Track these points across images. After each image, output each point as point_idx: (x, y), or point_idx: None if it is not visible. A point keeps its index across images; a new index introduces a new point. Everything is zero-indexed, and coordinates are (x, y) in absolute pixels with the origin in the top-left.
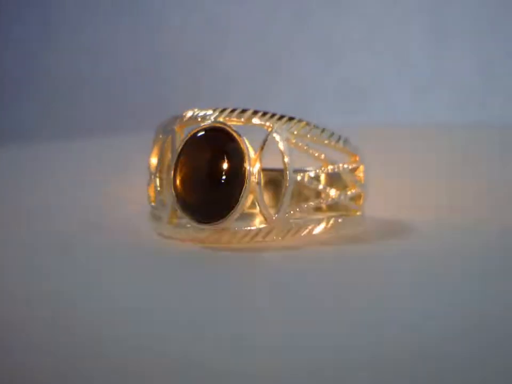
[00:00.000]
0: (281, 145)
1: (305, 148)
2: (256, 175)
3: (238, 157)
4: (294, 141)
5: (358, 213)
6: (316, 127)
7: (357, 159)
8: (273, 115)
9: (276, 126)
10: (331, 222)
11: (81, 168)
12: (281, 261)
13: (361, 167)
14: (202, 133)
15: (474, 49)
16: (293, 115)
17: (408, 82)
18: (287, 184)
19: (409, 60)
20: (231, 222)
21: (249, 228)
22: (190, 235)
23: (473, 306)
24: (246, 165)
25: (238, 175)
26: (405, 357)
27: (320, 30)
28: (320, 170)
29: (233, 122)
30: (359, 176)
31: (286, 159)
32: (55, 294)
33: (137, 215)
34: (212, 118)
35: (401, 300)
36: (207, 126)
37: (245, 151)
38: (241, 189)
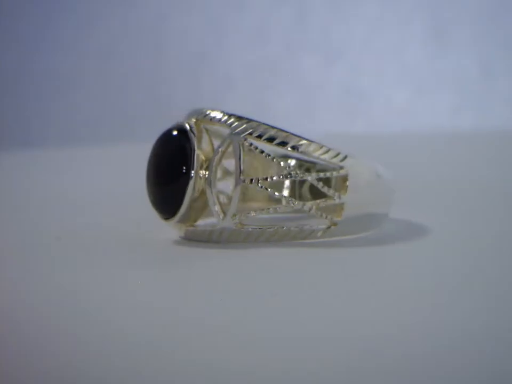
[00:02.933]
0: (234, 149)
1: (262, 153)
2: (207, 177)
3: (187, 159)
4: (253, 144)
5: (328, 224)
6: (282, 130)
7: (336, 168)
8: (236, 117)
9: (238, 128)
10: (284, 232)
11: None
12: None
13: (335, 175)
14: (169, 133)
15: (474, 50)
16: (254, 118)
17: (409, 84)
18: (234, 189)
19: (409, 62)
20: (180, 220)
21: (204, 227)
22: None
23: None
24: (194, 167)
25: (182, 175)
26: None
27: (321, 32)
28: (279, 177)
29: (206, 123)
30: (330, 186)
31: (237, 164)
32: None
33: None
34: (193, 118)
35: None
36: (174, 126)
37: (194, 153)
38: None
